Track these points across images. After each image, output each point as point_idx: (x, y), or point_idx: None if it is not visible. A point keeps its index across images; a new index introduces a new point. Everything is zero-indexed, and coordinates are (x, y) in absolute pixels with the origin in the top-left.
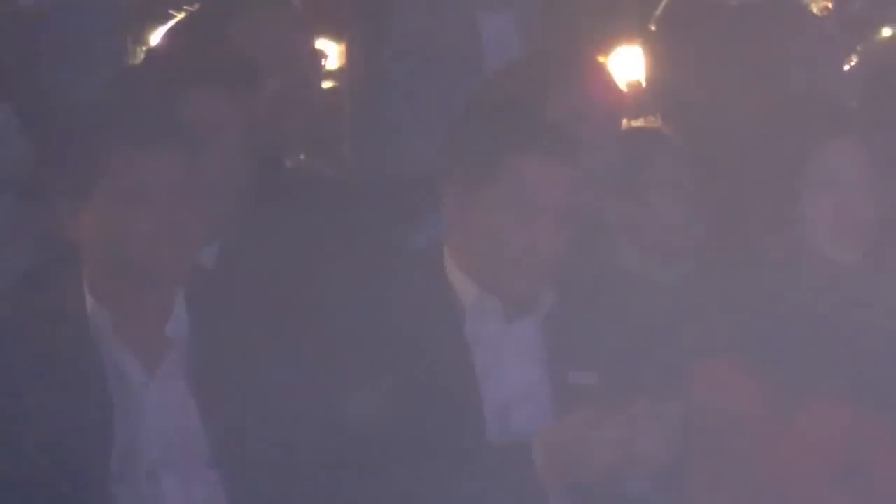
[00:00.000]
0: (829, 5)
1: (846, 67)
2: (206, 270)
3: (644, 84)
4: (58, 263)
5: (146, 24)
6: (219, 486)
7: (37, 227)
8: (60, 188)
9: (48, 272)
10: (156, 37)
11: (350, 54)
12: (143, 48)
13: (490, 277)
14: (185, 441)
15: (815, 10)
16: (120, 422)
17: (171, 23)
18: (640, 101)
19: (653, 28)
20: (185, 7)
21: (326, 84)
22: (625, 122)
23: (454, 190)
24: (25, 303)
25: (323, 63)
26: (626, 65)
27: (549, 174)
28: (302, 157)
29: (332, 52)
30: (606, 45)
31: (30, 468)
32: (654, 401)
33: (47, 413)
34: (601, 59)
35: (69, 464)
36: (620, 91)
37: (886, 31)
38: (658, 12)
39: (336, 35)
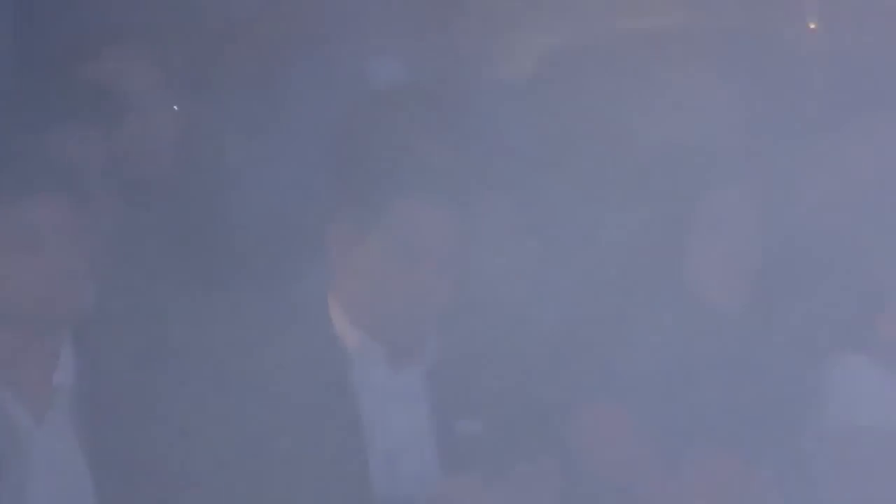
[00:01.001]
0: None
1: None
2: (90, 316)
3: None
4: None
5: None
6: None
7: None
8: None
9: None
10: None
11: None
12: None
13: (375, 325)
14: (72, 490)
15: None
16: (4, 477)
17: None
18: None
19: None
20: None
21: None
22: None
23: (339, 236)
24: None
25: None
26: None
27: (436, 221)
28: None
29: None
30: None
31: None
32: (534, 459)
33: None
34: None
35: None
36: None
37: None
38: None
39: None
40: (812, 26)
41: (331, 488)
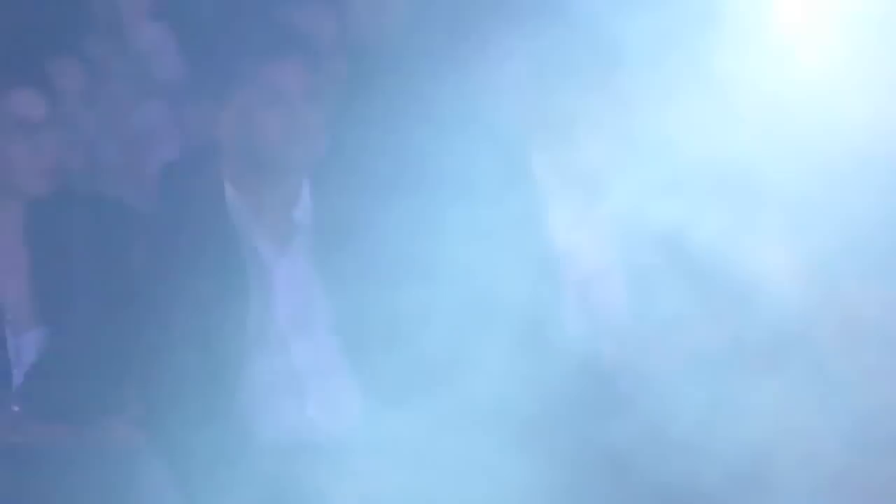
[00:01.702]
0: None
1: None
2: (324, 162)
3: None
4: (204, 158)
5: None
6: (338, 351)
7: (186, 127)
8: (206, 93)
9: (194, 165)
10: None
11: None
12: None
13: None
14: (308, 310)
15: None
16: (255, 294)
17: None
18: None
19: None
20: None
21: None
22: None
23: None
24: (174, 191)
25: None
26: None
27: None
28: None
29: None
30: None
31: (182, 332)
32: None
33: (196, 284)
34: None
35: (214, 329)
36: None
37: None
38: None
39: None
40: None
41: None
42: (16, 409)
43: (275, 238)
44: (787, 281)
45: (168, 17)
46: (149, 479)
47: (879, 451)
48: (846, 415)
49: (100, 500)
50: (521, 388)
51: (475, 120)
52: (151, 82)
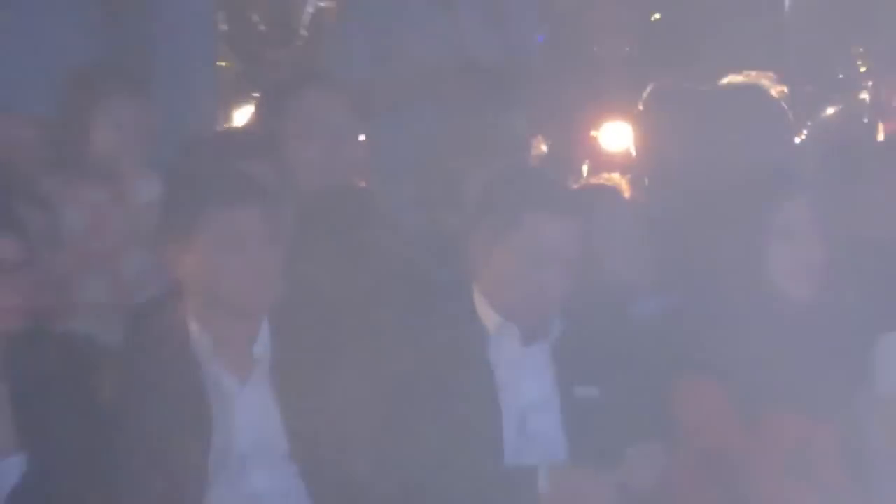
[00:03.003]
0: (784, 90)
1: (797, 140)
2: (282, 301)
3: (634, 152)
4: (169, 298)
5: None
6: (297, 476)
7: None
8: (169, 239)
9: (161, 306)
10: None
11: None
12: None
13: (509, 310)
14: (269, 438)
15: (773, 93)
16: (217, 423)
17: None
18: (631, 165)
19: (641, 106)
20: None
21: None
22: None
23: (482, 239)
24: (143, 329)
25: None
26: (620, 136)
27: (559, 228)
28: None
29: None
30: (601, 121)
31: (150, 458)
32: (642, 441)
33: (162, 412)
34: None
35: (176, 457)
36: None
37: (829, 111)
38: (644, 96)
39: None
40: None
41: (471, 439)
42: None
43: (236, 370)
44: None
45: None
46: None
47: None
48: None
49: None
50: None
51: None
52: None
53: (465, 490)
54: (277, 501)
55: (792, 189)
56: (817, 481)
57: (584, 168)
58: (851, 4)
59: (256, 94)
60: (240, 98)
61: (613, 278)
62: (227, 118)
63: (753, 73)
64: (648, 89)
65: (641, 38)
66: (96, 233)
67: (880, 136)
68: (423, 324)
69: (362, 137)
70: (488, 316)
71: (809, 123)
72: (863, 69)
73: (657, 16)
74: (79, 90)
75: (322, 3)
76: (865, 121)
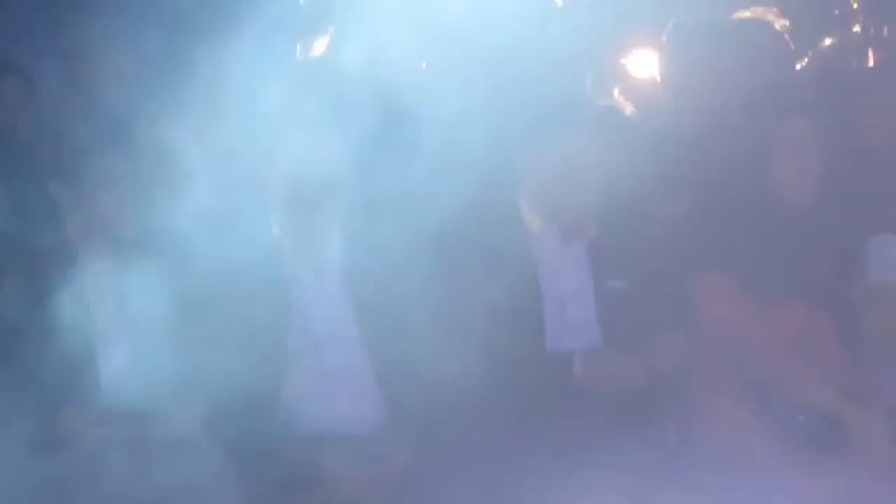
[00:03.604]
0: (787, 23)
1: (799, 66)
2: (352, 210)
3: (658, 79)
4: (254, 207)
5: None
6: (366, 359)
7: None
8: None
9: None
10: None
11: None
12: None
13: (551, 213)
14: (340, 325)
15: (777, 27)
16: (296, 312)
17: None
18: (655, 91)
19: (664, 39)
20: None
21: None
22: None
23: (527, 155)
24: (231, 231)
25: None
26: (646, 63)
27: (591, 146)
28: None
29: None
30: (629, 49)
31: (239, 342)
32: (665, 329)
33: (248, 305)
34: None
35: (263, 339)
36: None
37: (826, 41)
38: (667, 29)
39: None
40: None
41: (517, 326)
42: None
43: (313, 268)
44: None
45: None
46: (206, 465)
47: None
48: None
49: (168, 483)
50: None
51: None
52: None
53: (510, 370)
54: (347, 378)
55: (794, 108)
56: (818, 362)
57: (615, 91)
58: None
59: None
60: None
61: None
62: None
63: (760, 9)
64: (670, 24)
65: None
66: None
67: (870, 63)
68: (475, 227)
69: None
70: (532, 219)
71: (809, 52)
72: (855, 6)
73: None
74: None
75: None
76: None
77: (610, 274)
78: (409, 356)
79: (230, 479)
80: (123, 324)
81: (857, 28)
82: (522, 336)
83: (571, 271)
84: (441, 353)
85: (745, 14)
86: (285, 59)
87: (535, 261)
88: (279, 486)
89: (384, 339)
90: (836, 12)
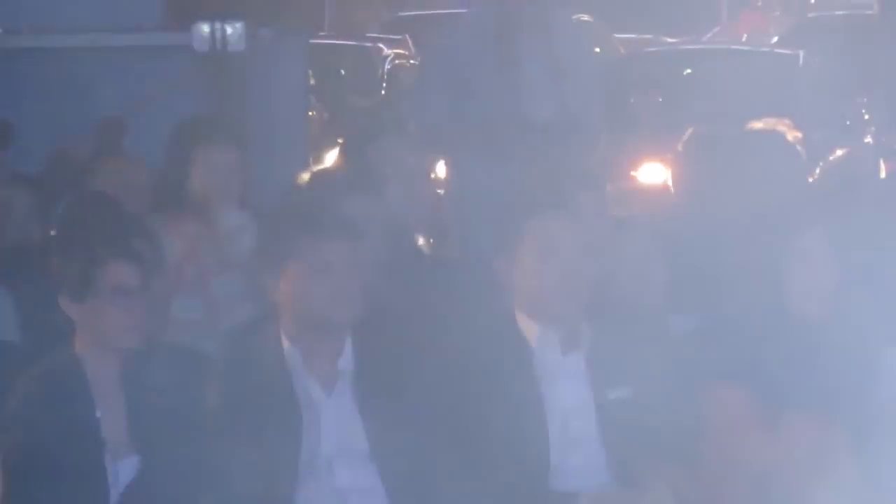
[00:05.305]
0: (799, 135)
1: (811, 178)
2: (364, 320)
3: (672, 186)
4: (265, 318)
5: None
6: (377, 474)
7: (251, 296)
8: (264, 267)
9: (258, 325)
10: None
11: None
12: None
13: (544, 309)
14: (352, 441)
15: (789, 138)
16: (306, 428)
17: None
18: (668, 199)
19: (679, 147)
20: None
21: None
22: None
23: (508, 262)
24: (243, 345)
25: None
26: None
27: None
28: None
29: None
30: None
31: (247, 459)
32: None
33: (256, 421)
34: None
35: (272, 457)
36: None
37: (838, 153)
38: (684, 138)
39: None
40: None
41: (516, 442)
42: None
43: (323, 381)
44: None
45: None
46: None
47: None
48: None
49: None
50: None
51: None
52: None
53: None
54: (359, 497)
55: (806, 220)
56: (830, 478)
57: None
58: (856, 63)
59: (340, 140)
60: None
61: (636, 299)
62: (316, 160)
63: (772, 120)
64: (687, 133)
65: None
66: (189, 259)
67: (882, 175)
68: (477, 347)
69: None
70: (530, 329)
71: (821, 163)
72: (866, 117)
73: (688, 71)
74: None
75: (397, 61)
76: (869, 161)
77: (610, 383)
78: (423, 475)
79: None
80: (132, 437)
81: (868, 139)
82: (524, 474)
83: (572, 383)
84: (453, 472)
85: (758, 125)
86: None
87: (535, 374)
88: None
89: (396, 456)
90: (848, 123)
